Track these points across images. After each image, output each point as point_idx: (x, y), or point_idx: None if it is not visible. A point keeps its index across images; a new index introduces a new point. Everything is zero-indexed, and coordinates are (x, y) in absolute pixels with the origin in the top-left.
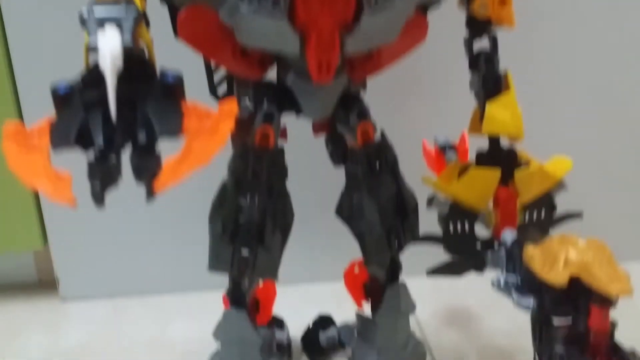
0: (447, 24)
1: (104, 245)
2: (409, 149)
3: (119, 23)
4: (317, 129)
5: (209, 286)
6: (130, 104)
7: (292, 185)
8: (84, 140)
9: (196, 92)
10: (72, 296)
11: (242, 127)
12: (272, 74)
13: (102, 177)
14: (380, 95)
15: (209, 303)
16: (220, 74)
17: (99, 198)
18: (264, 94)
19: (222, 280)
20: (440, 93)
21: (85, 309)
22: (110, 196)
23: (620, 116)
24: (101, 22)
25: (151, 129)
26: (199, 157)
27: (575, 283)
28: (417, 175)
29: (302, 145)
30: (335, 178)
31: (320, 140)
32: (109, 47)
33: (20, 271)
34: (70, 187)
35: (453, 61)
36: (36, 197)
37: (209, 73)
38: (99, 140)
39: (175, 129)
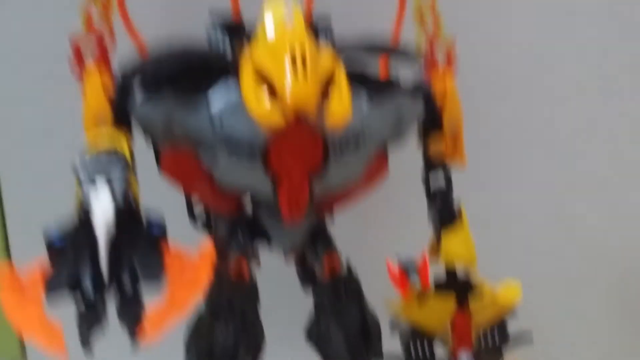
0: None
1: None
2: (376, 264)
3: (109, 178)
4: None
5: None
6: (116, 252)
7: (264, 306)
8: (73, 288)
9: (176, 218)
10: None
11: (218, 255)
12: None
13: (90, 324)
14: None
15: None
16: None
17: (86, 344)
18: (238, 226)
19: None
20: (403, 212)
21: None
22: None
23: (574, 238)
24: (92, 178)
25: (136, 278)
26: (180, 306)
27: None
28: (382, 288)
29: (274, 268)
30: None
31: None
32: (102, 210)
33: None
34: (62, 338)
35: (415, 184)
36: None
37: (189, 201)
38: (89, 292)
39: (158, 277)
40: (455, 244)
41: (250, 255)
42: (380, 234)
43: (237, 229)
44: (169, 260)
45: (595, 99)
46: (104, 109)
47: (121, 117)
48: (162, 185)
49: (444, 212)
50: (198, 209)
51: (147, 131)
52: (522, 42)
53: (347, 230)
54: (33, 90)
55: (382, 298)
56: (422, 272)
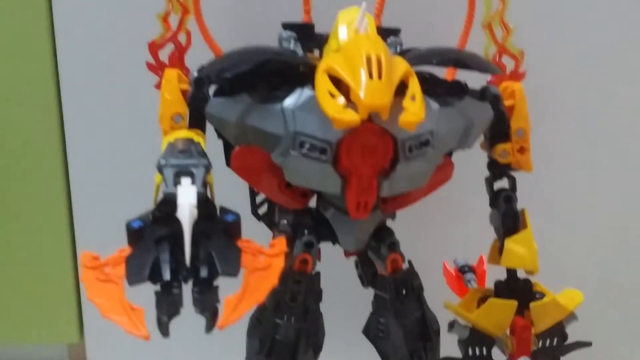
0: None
1: (139, 351)
2: (432, 269)
3: (192, 172)
4: (348, 253)
5: None
6: (195, 241)
7: (324, 304)
8: (152, 272)
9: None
10: None
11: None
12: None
13: (168, 308)
14: (406, 218)
15: None
16: (261, 195)
17: (165, 328)
18: (304, 222)
19: None
20: (461, 218)
21: None
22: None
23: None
24: (177, 174)
25: (212, 265)
26: (255, 294)
27: None
28: (438, 291)
29: (334, 266)
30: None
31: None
32: (188, 202)
33: None
34: (144, 320)
35: (474, 189)
36: (77, 287)
37: (252, 194)
38: (167, 274)
39: (234, 267)
40: (517, 248)
41: (314, 250)
42: (439, 234)
43: (302, 227)
44: (242, 246)
45: None
46: (182, 111)
47: (197, 117)
48: (227, 181)
49: (507, 215)
50: (260, 198)
51: (221, 130)
52: (589, 47)
53: (406, 229)
54: (109, 95)
55: (440, 301)
56: (478, 270)
